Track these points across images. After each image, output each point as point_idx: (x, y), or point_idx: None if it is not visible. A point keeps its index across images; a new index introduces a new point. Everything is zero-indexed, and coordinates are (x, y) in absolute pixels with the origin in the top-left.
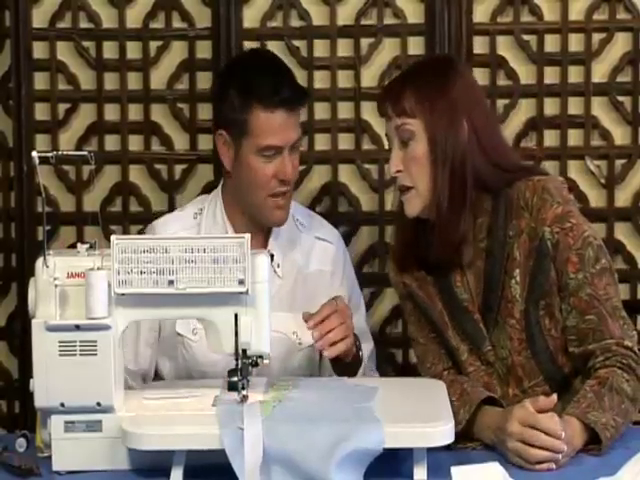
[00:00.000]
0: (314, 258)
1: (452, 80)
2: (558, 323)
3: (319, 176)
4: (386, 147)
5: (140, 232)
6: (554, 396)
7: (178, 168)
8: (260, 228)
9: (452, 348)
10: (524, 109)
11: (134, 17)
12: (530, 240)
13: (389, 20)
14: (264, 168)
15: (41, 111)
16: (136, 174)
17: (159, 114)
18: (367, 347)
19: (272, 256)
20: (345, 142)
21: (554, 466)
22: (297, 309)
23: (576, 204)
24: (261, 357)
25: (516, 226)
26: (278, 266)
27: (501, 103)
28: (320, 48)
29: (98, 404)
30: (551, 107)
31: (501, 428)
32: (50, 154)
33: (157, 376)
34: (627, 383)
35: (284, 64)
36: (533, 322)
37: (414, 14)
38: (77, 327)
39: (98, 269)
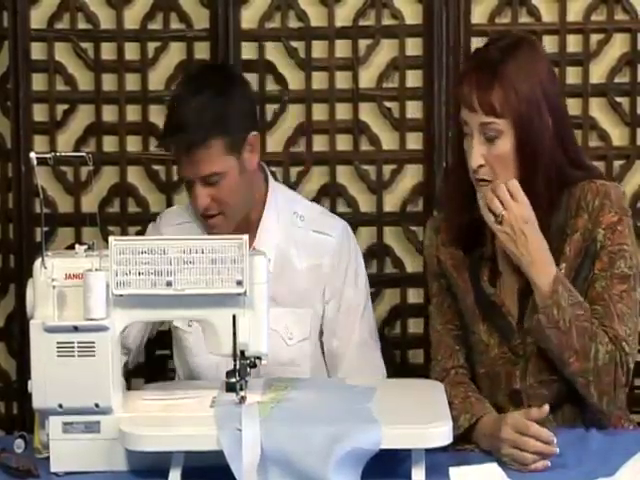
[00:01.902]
0: (308, 252)
1: (537, 68)
2: None
3: (317, 177)
4: (384, 148)
5: (138, 233)
6: (546, 407)
7: (176, 169)
8: (247, 223)
9: (479, 343)
10: None
11: (132, 18)
12: (583, 240)
13: (387, 21)
14: (190, 198)
15: (39, 112)
16: (134, 175)
17: (157, 115)
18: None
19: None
20: (343, 143)
21: (549, 463)
22: (288, 304)
23: (630, 216)
24: (259, 358)
25: (573, 224)
26: (269, 261)
27: None
28: (318, 49)
29: (96, 405)
30: None
31: (495, 435)
32: (48, 155)
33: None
34: (603, 345)
35: (203, 94)
36: None
37: (412, 15)
38: (75, 328)
39: (96, 270)
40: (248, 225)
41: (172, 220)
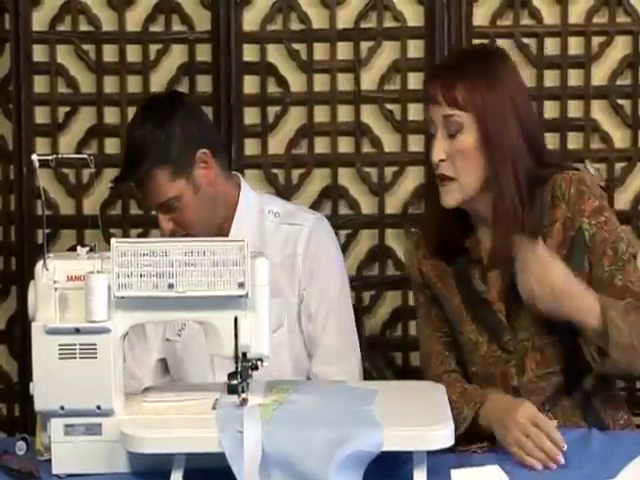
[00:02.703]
0: (281, 245)
1: (504, 73)
2: None
3: (319, 179)
4: (386, 150)
5: (140, 235)
6: (555, 422)
7: None
8: (221, 231)
9: (468, 342)
10: None
11: (134, 20)
12: (565, 229)
13: (389, 23)
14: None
15: (41, 114)
16: None
17: None
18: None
19: None
20: (345, 145)
21: (553, 466)
22: None
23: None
24: (261, 360)
25: (550, 215)
26: None
27: None
28: (320, 51)
29: (98, 407)
30: (551, 110)
31: (509, 414)
32: (50, 157)
33: None
34: None
35: (142, 128)
36: None
37: (414, 17)
38: (77, 330)
39: (98, 272)
40: (222, 233)
41: None
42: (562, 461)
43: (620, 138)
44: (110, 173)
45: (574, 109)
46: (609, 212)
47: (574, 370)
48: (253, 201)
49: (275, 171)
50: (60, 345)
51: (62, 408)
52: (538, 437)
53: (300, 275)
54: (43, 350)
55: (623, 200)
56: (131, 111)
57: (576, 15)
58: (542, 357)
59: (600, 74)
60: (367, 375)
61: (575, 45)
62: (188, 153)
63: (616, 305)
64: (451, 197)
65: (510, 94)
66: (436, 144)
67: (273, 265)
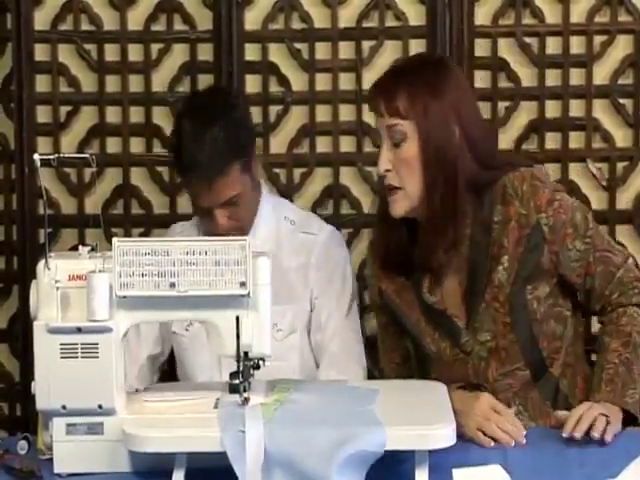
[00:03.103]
0: (296, 253)
1: (446, 82)
2: (545, 306)
3: (321, 179)
4: None
5: (142, 234)
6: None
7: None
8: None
9: (430, 352)
10: (525, 111)
11: (136, 19)
12: (520, 227)
13: (390, 22)
14: (204, 223)
15: (42, 113)
16: (137, 176)
17: (160, 116)
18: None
19: None
20: (347, 144)
21: (512, 443)
22: (275, 301)
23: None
24: (262, 359)
25: (503, 212)
26: None
27: (502, 106)
28: (321, 50)
29: (99, 406)
30: (552, 109)
31: (468, 403)
32: (52, 156)
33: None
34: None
35: (214, 126)
36: (519, 306)
37: (415, 16)
38: (79, 329)
39: (100, 271)
40: (242, 232)
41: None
42: (524, 441)
43: (622, 137)
44: (112, 172)
45: (576, 108)
46: (561, 194)
47: (538, 359)
48: (273, 204)
49: (277, 170)
50: (62, 344)
51: (64, 407)
52: (500, 420)
53: (313, 284)
54: (45, 349)
55: (625, 199)
56: (133, 110)
57: (578, 14)
58: (507, 355)
59: (602, 73)
60: (369, 374)
61: (577, 44)
62: (251, 147)
63: (622, 384)
64: (399, 205)
65: (453, 102)
66: (381, 155)
67: (288, 271)
